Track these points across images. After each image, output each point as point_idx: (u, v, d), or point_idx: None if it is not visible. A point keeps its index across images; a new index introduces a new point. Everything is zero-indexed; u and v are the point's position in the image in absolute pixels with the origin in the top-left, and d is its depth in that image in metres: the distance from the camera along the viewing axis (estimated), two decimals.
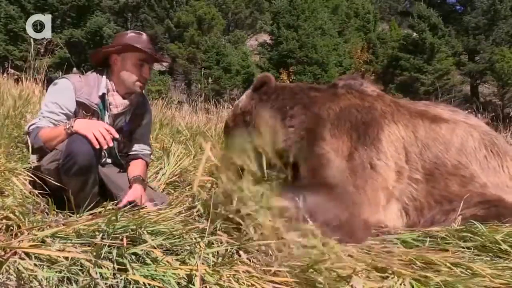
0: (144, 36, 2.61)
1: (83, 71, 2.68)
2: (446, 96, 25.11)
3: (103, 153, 2.60)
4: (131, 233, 1.76)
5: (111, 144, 2.30)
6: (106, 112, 2.60)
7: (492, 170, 2.78)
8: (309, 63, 26.83)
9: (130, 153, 2.78)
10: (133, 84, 2.59)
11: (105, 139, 2.26)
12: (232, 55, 30.47)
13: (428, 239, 2.38)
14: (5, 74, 7.00)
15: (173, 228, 1.88)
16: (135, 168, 2.69)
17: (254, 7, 39.24)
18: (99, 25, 23.18)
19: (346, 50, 30.19)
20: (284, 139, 2.62)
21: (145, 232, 1.78)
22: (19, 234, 1.67)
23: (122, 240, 1.68)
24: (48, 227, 1.79)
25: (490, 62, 28.82)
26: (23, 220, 1.86)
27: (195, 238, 1.88)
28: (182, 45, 31.39)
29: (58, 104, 2.46)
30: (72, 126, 2.27)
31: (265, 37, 33.88)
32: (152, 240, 1.74)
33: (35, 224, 1.86)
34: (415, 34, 29.27)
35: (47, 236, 1.65)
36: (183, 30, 31.90)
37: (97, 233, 1.75)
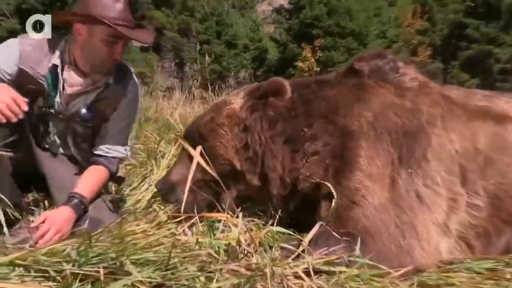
0: (120, 2, 2.59)
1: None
2: None
3: (52, 137, 2.73)
4: (111, 263, 1.77)
5: (20, 116, 2.30)
6: (57, 89, 2.66)
7: None
8: (342, 35, 26.81)
9: (94, 151, 2.79)
10: (100, 63, 2.63)
11: (12, 111, 2.27)
12: (238, 24, 30.58)
13: (506, 269, 2.38)
14: None
15: (164, 256, 1.90)
16: (86, 179, 2.66)
17: None
18: None
19: (391, 16, 30.09)
20: (308, 174, 2.61)
21: (128, 261, 1.79)
22: None
23: (98, 271, 1.70)
24: None
25: None
26: None
27: (194, 270, 1.90)
28: (171, 12, 31.63)
29: None
30: None
31: (282, 1, 33.94)
32: (139, 272, 1.75)
33: None
34: None
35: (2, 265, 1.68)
36: None
37: (64, 263, 1.77)
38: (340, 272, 2.15)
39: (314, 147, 2.63)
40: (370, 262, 2.23)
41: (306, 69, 25.53)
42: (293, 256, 2.20)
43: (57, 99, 2.67)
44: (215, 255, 2.03)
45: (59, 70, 2.63)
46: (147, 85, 9.87)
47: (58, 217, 2.40)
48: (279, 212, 2.60)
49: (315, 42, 26.44)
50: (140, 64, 27.66)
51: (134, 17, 2.69)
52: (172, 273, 1.85)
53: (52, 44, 2.65)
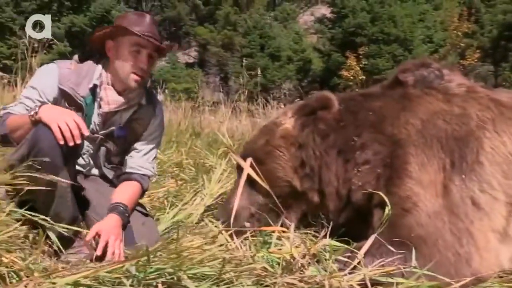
0: (147, 18, 2.76)
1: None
2: None
3: (86, 158, 2.78)
4: (168, 277, 1.82)
5: (78, 141, 2.37)
6: (95, 108, 2.75)
7: None
8: (386, 41, 26.51)
9: (126, 169, 2.86)
10: (126, 75, 2.71)
11: (72, 134, 2.34)
12: (281, 36, 30.70)
13: None
14: None
15: (221, 270, 1.92)
16: (122, 192, 2.73)
17: None
18: (106, 9, 24.14)
19: (437, 20, 29.56)
20: (360, 184, 2.62)
21: (185, 276, 1.83)
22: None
23: (157, 287, 1.73)
24: (56, 272, 1.87)
25: None
26: (19, 262, 1.93)
27: (249, 284, 1.91)
28: (215, 28, 32.04)
29: (36, 90, 2.65)
30: (36, 113, 2.38)
31: (324, 10, 33.88)
32: (196, 286, 1.79)
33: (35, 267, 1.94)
34: None
35: (67, 285, 1.73)
36: (215, 7, 32.57)
37: (124, 279, 1.81)
38: (398, 283, 2.12)
39: (365, 156, 2.64)
40: (428, 273, 2.19)
41: (351, 77, 25.32)
42: (348, 269, 2.18)
43: (94, 118, 2.75)
44: (270, 268, 2.04)
45: (97, 90, 2.74)
46: (193, 100, 10.00)
47: (109, 226, 2.46)
48: (331, 223, 2.59)
49: (359, 50, 26.22)
50: (186, 80, 28.09)
51: (176, 34, 2.77)
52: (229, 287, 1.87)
53: (89, 68, 2.77)
